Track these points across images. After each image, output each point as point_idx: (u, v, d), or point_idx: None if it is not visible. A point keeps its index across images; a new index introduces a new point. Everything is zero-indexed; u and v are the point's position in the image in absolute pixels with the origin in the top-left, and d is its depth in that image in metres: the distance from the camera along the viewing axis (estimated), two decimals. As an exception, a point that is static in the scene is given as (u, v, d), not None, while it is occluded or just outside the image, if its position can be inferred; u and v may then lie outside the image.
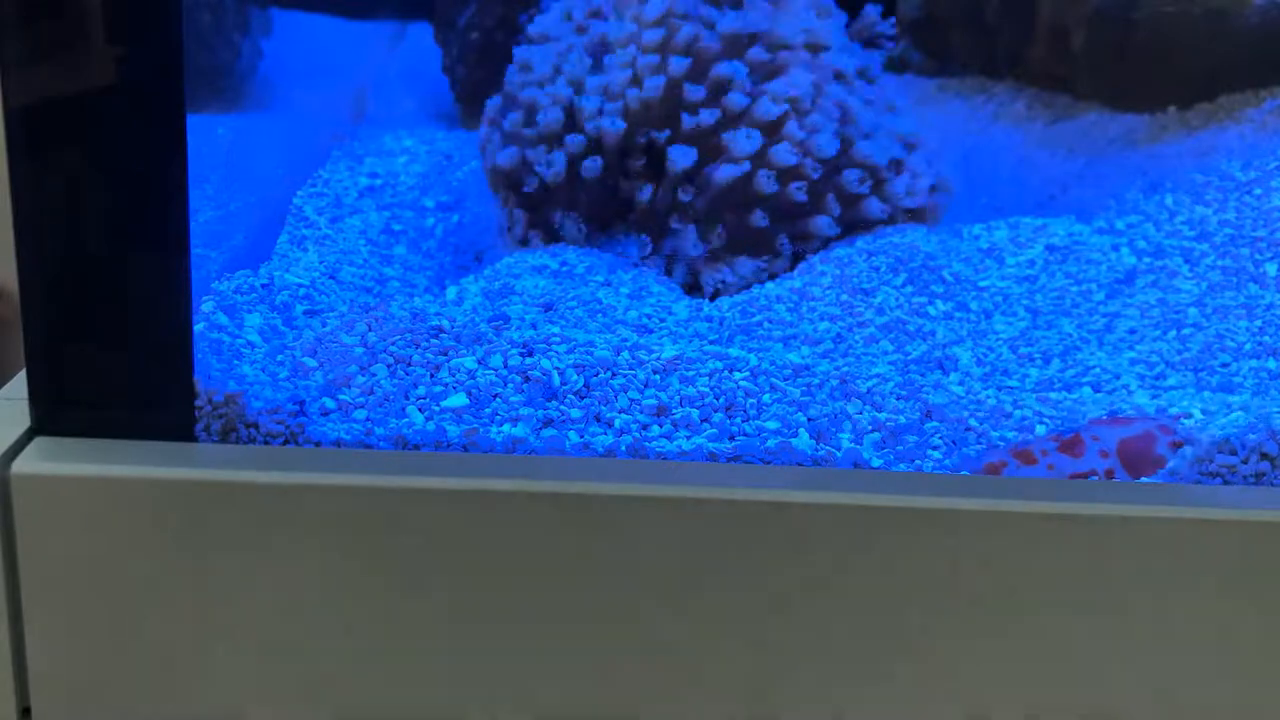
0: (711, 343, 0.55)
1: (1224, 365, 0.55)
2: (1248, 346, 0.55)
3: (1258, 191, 0.63)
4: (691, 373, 0.50)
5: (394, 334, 0.52)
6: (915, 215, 0.66)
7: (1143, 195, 0.68)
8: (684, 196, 0.64)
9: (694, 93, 0.64)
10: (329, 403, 0.49)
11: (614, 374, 0.50)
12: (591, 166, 0.65)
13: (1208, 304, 0.59)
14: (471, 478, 0.43)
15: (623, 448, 0.48)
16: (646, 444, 0.48)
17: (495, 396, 0.49)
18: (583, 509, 0.42)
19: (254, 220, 0.70)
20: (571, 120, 0.66)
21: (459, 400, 0.49)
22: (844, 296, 0.59)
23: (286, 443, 0.47)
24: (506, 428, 0.48)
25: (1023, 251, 0.64)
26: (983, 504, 0.42)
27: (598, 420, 0.49)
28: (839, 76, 0.67)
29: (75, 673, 0.44)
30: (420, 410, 0.49)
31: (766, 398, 0.50)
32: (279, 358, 0.52)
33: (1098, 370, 0.57)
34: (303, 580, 0.43)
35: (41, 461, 0.42)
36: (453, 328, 0.51)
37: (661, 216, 0.65)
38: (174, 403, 0.45)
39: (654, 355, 0.51)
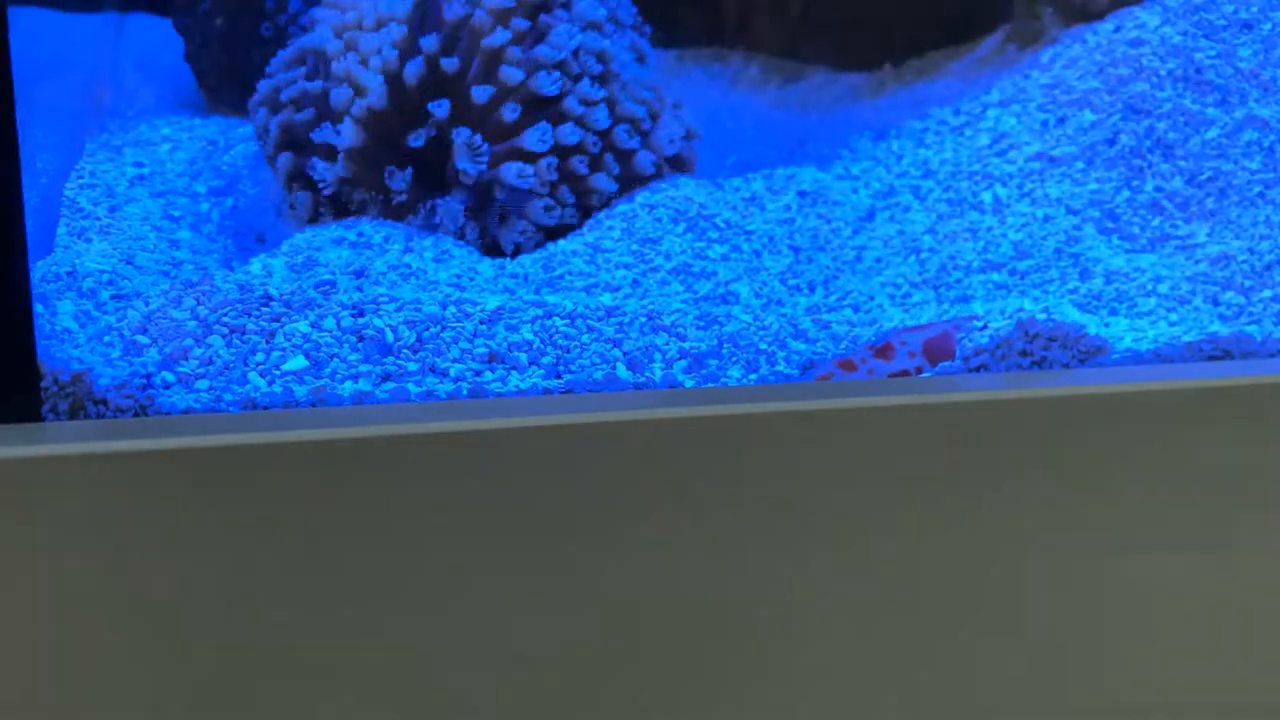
0: (525, 294, 0.59)
1: (958, 281, 0.65)
2: (976, 264, 0.65)
3: (968, 133, 0.73)
4: (515, 321, 0.55)
5: (223, 305, 0.53)
6: (676, 163, 0.72)
7: (871, 143, 0.78)
8: (473, 169, 0.68)
9: (464, 67, 0.68)
10: (168, 376, 0.50)
11: (444, 327, 0.54)
12: (378, 136, 0.68)
13: (939, 231, 0.68)
14: (361, 425, 0.46)
15: (463, 393, 0.52)
16: (483, 389, 0.52)
17: (333, 357, 0.52)
18: (447, 445, 0.46)
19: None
20: (356, 96, 0.69)
21: (299, 363, 0.52)
22: (634, 246, 0.64)
23: (138, 416, 0.48)
24: (349, 385, 0.51)
25: (778, 198, 0.72)
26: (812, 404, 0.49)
27: (433, 371, 0.53)
28: (595, 26, 0.72)
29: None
30: (262, 375, 0.51)
31: (585, 338, 0.55)
32: (106, 339, 0.53)
33: (855, 294, 0.65)
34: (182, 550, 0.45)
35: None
36: (281, 295, 0.54)
37: (451, 187, 0.68)
38: (19, 385, 0.46)
39: (478, 307, 0.55)
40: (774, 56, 0.90)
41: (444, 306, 0.54)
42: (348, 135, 0.68)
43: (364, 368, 0.52)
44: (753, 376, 0.55)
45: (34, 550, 0.43)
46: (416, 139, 0.68)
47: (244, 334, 0.52)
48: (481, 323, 0.54)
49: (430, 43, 0.67)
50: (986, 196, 0.69)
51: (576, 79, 0.69)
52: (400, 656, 0.47)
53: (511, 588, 0.47)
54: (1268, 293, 0.62)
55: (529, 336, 0.54)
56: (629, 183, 0.69)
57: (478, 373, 0.53)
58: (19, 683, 0.44)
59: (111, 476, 0.43)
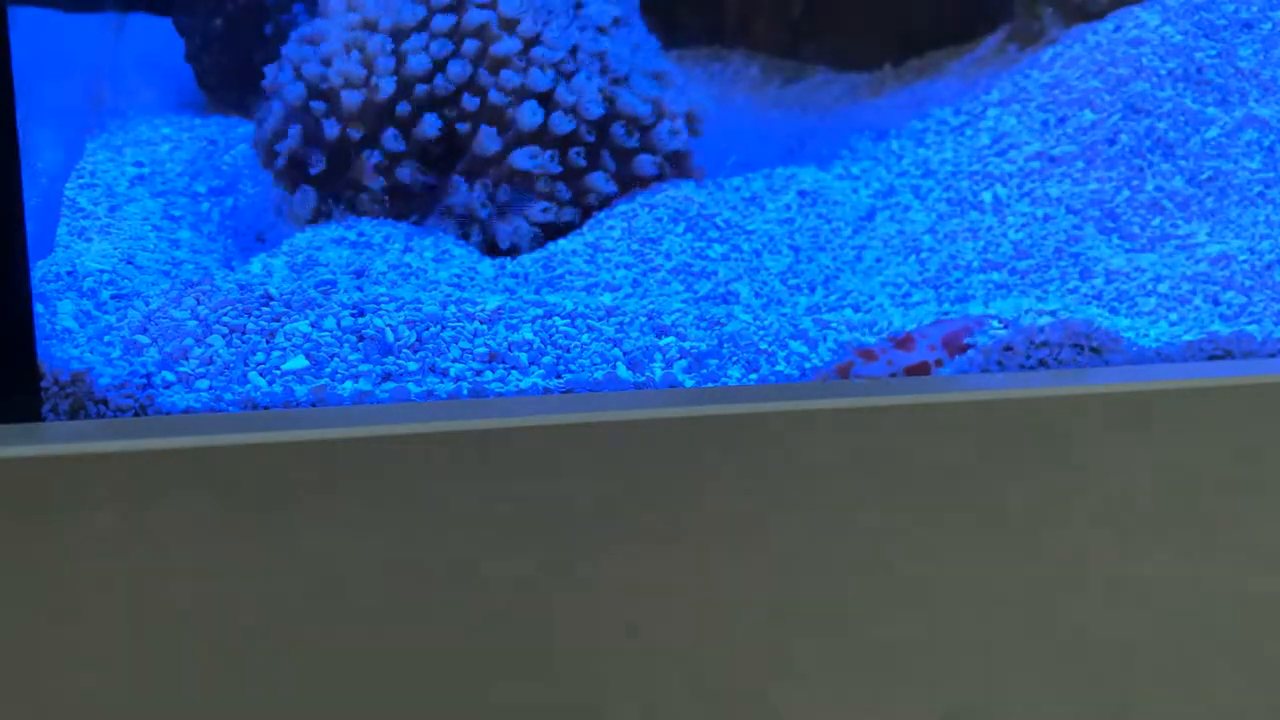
0: (525, 294, 0.59)
1: (958, 281, 0.65)
2: (976, 264, 0.65)
3: (968, 132, 0.73)
4: (515, 320, 0.55)
5: (223, 305, 0.53)
6: (679, 157, 0.72)
7: (872, 143, 0.78)
8: (473, 169, 0.68)
9: (479, 75, 0.68)
10: (169, 375, 0.50)
11: (444, 327, 0.54)
12: (379, 137, 0.68)
13: (939, 230, 0.68)
14: (364, 425, 0.46)
15: (464, 392, 0.52)
16: (483, 388, 0.52)
17: (333, 357, 0.52)
18: (445, 445, 0.46)
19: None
20: (366, 100, 0.69)
21: (299, 363, 0.52)
22: (634, 246, 0.64)
23: (138, 416, 0.48)
24: (349, 384, 0.51)
25: (779, 198, 0.72)
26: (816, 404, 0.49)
27: (433, 371, 0.53)
28: (599, 29, 0.72)
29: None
30: (262, 375, 0.51)
31: (585, 337, 0.55)
32: (106, 338, 0.53)
33: (855, 294, 0.65)
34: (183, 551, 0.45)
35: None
36: (281, 295, 0.54)
37: (452, 187, 0.68)
38: (19, 385, 0.46)
39: (479, 307, 0.55)
40: (774, 56, 0.90)
41: (444, 306, 0.54)
42: (347, 135, 0.68)
43: (364, 367, 0.52)
44: (753, 376, 0.55)
45: (34, 550, 0.43)
46: (418, 137, 0.68)
47: (244, 334, 0.52)
48: (481, 322, 0.54)
49: (431, 43, 0.67)
50: (987, 196, 0.69)
51: (569, 76, 0.69)
52: (400, 656, 0.47)
53: (511, 587, 0.47)
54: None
55: (529, 336, 0.54)
56: (628, 182, 0.69)
57: (478, 372, 0.53)
58: (19, 682, 0.44)
59: (111, 476, 0.43)
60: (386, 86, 0.67)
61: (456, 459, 0.46)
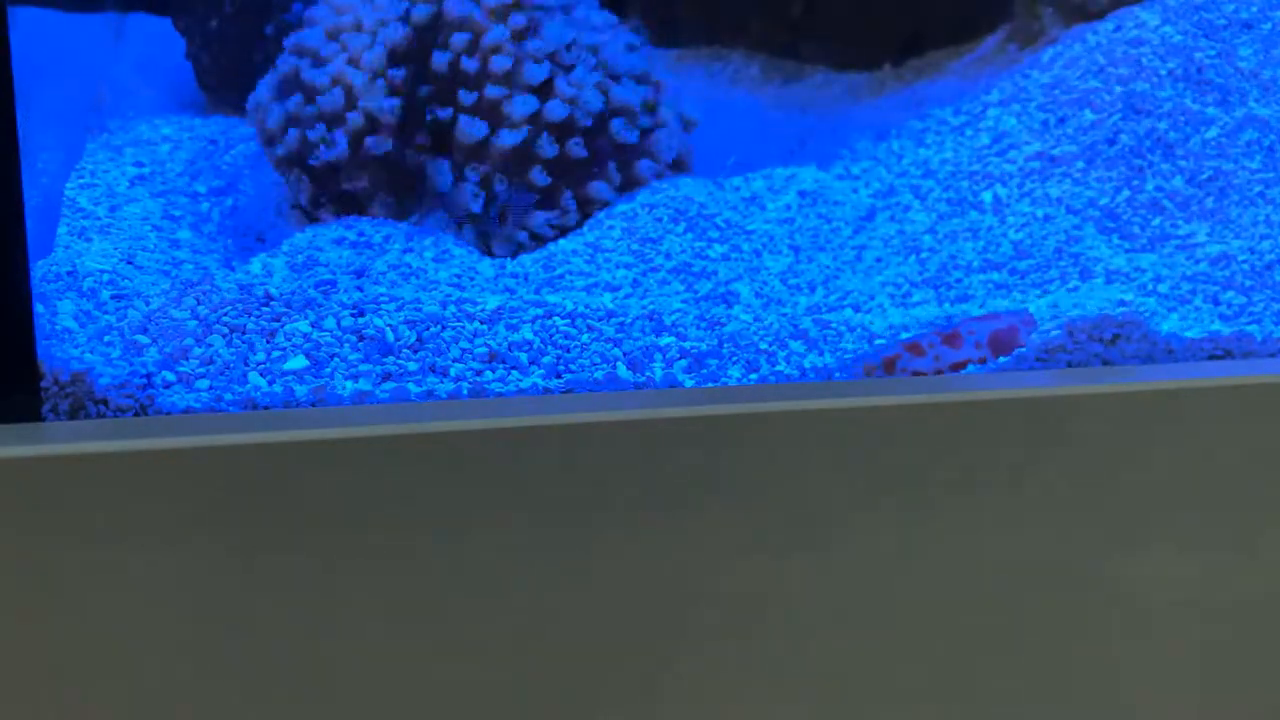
0: (526, 294, 0.59)
1: (958, 281, 0.65)
2: (976, 264, 0.65)
3: (969, 132, 0.73)
4: (515, 320, 0.55)
5: (223, 305, 0.53)
6: (678, 165, 0.72)
7: (872, 143, 0.78)
8: (471, 171, 0.68)
9: (470, 65, 0.68)
10: (169, 375, 0.50)
11: (444, 327, 0.54)
12: (377, 138, 0.68)
13: (939, 230, 0.68)
14: (360, 425, 0.46)
15: (464, 392, 0.52)
16: (484, 388, 0.52)
17: (333, 356, 0.52)
18: (445, 445, 0.46)
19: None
20: (351, 98, 0.69)
21: (299, 362, 0.52)
22: (634, 246, 0.64)
23: (138, 416, 0.48)
24: (349, 384, 0.51)
25: (779, 198, 0.72)
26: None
27: (433, 370, 0.53)
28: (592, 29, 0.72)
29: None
30: (262, 375, 0.51)
31: (585, 337, 0.55)
32: (106, 338, 0.53)
33: (855, 294, 0.65)
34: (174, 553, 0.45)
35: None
36: (281, 295, 0.54)
37: (453, 187, 0.68)
38: (19, 385, 0.46)
39: (479, 307, 0.55)
40: (774, 56, 0.90)
41: (444, 306, 0.54)
42: (347, 134, 0.68)
43: (364, 367, 0.52)
44: (753, 376, 0.55)
45: (34, 550, 0.43)
46: (418, 136, 0.68)
47: (244, 334, 0.52)
48: (482, 322, 0.54)
49: (428, 41, 0.67)
50: (987, 196, 0.69)
51: (568, 69, 0.69)
52: (401, 656, 0.47)
53: (511, 587, 0.47)
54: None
55: (529, 336, 0.54)
56: (628, 183, 0.69)
57: (478, 372, 0.53)
58: (19, 682, 0.44)
59: (111, 476, 0.43)
60: (381, 83, 0.68)
61: (456, 459, 0.46)
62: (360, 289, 0.56)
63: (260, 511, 0.45)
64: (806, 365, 0.56)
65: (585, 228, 0.67)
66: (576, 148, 0.67)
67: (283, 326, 0.53)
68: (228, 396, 0.49)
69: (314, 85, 0.70)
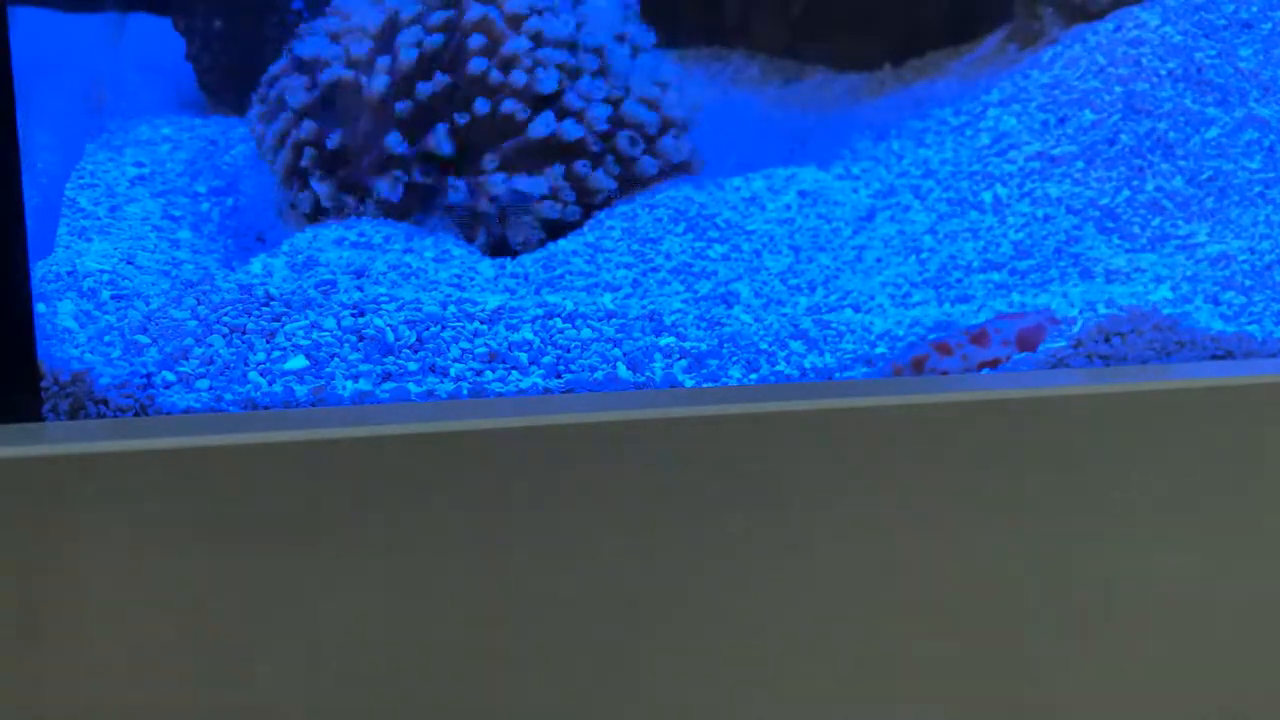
0: (526, 294, 0.59)
1: (958, 281, 0.65)
2: (976, 264, 0.65)
3: (968, 132, 0.73)
4: (515, 320, 0.55)
5: (223, 305, 0.53)
6: (681, 167, 0.72)
7: (872, 143, 0.78)
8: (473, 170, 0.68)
9: (483, 69, 0.68)
10: (169, 375, 0.50)
11: (444, 327, 0.54)
12: (381, 136, 0.68)
13: (939, 230, 0.68)
14: (360, 425, 0.46)
15: (464, 393, 0.52)
16: (484, 388, 0.52)
17: (333, 356, 0.52)
18: (448, 445, 0.46)
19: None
20: (360, 99, 0.69)
21: (299, 362, 0.52)
22: (635, 246, 0.64)
23: (138, 416, 0.48)
24: (349, 384, 0.51)
25: (779, 198, 0.72)
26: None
27: (433, 370, 0.53)
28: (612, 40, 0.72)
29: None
30: (262, 375, 0.51)
31: (585, 334, 0.55)
32: (106, 338, 0.53)
33: (855, 294, 0.65)
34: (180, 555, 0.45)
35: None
36: (281, 295, 0.54)
37: (452, 187, 0.68)
38: (19, 385, 0.46)
39: (479, 307, 0.55)
40: (774, 56, 0.90)
41: (444, 306, 0.54)
42: (348, 134, 0.68)
43: (364, 367, 0.52)
44: (753, 376, 0.55)
45: (34, 550, 0.43)
46: (417, 138, 0.68)
47: (244, 334, 0.52)
48: (482, 322, 0.54)
49: (434, 43, 0.67)
50: (987, 196, 0.69)
51: (575, 75, 0.68)
52: (401, 655, 0.47)
53: (511, 587, 0.47)
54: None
55: (529, 336, 0.54)
56: (628, 183, 0.69)
57: (478, 372, 0.53)
58: (19, 682, 0.44)
59: (111, 476, 0.43)
60: (384, 85, 0.68)
61: (456, 459, 0.46)
62: (360, 289, 0.56)
63: (260, 511, 0.45)
64: (806, 365, 0.56)
65: (585, 228, 0.67)
66: (584, 166, 0.67)
67: (283, 326, 0.53)
68: (228, 396, 0.49)
69: (315, 85, 0.70)
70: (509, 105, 0.67)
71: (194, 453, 0.44)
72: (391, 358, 0.52)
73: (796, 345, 0.57)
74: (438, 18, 0.68)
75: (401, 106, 0.67)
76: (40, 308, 0.54)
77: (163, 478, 0.44)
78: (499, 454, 0.46)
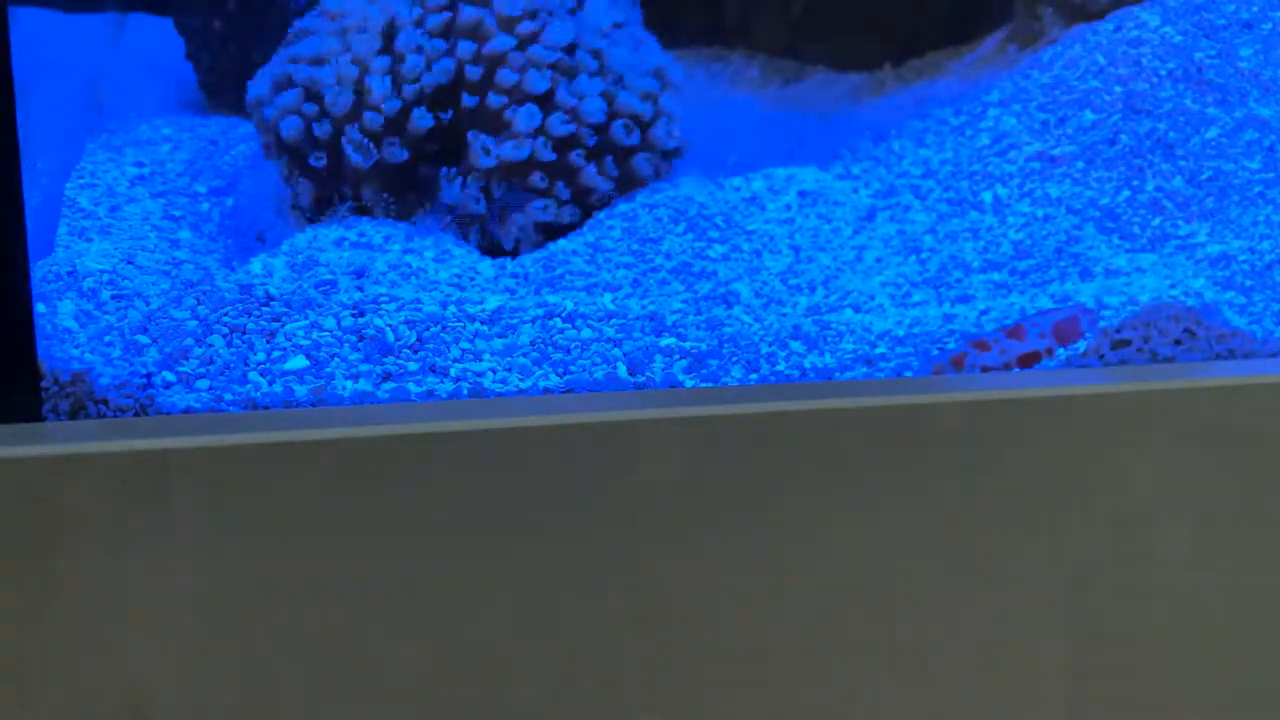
0: (526, 294, 0.59)
1: (958, 281, 0.65)
2: (976, 264, 0.65)
3: (969, 132, 0.73)
4: (515, 320, 0.55)
5: (223, 305, 0.53)
6: (675, 154, 0.72)
7: (872, 143, 0.78)
8: (472, 169, 0.68)
9: (475, 73, 0.68)
10: (169, 375, 0.50)
11: (444, 327, 0.54)
12: (380, 139, 0.68)
13: (939, 230, 0.68)
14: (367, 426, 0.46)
15: (464, 392, 0.52)
16: (484, 389, 0.52)
17: (334, 357, 0.52)
18: (453, 445, 0.46)
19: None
20: (353, 98, 0.69)
21: (299, 363, 0.52)
22: (635, 246, 0.64)
23: (138, 416, 0.48)
24: (349, 384, 0.51)
25: (779, 198, 0.72)
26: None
27: (434, 371, 0.53)
28: (600, 34, 0.72)
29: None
30: (262, 375, 0.51)
31: (585, 334, 0.55)
32: (106, 338, 0.53)
33: (855, 294, 0.65)
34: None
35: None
36: (281, 295, 0.54)
37: (451, 187, 0.68)
38: (19, 385, 0.46)
39: (479, 307, 0.55)
40: (774, 56, 0.90)
41: (444, 306, 0.54)
42: (347, 134, 0.68)
43: (364, 367, 0.52)
44: (753, 376, 0.55)
45: (34, 550, 0.43)
46: (416, 137, 0.68)
47: (244, 334, 0.52)
48: (482, 322, 0.54)
49: (431, 44, 0.67)
50: (987, 196, 0.69)
51: (571, 74, 0.68)
52: (400, 655, 0.47)
53: (512, 587, 0.47)
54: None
55: (529, 336, 0.54)
56: (627, 183, 0.69)
57: (478, 373, 0.53)
58: (19, 682, 0.44)
59: (111, 476, 0.43)
60: (382, 86, 0.68)
61: (456, 459, 0.46)
62: (360, 289, 0.56)
63: (260, 511, 0.45)
64: (806, 365, 0.56)
65: (585, 228, 0.67)
66: (578, 158, 0.67)
67: (283, 326, 0.53)
68: (228, 396, 0.49)
69: (315, 85, 0.70)
70: (497, 101, 0.67)
71: (194, 453, 0.44)
72: (391, 358, 0.52)
73: (796, 345, 0.57)
74: (435, 21, 0.68)
75: (400, 104, 0.67)
76: (40, 308, 0.54)
77: (163, 478, 0.44)
78: (499, 454, 0.46)
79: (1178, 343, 0.56)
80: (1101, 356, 0.56)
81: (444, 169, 0.68)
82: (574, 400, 0.50)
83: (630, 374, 0.54)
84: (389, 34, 0.69)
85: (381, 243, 0.65)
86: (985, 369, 0.55)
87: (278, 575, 0.45)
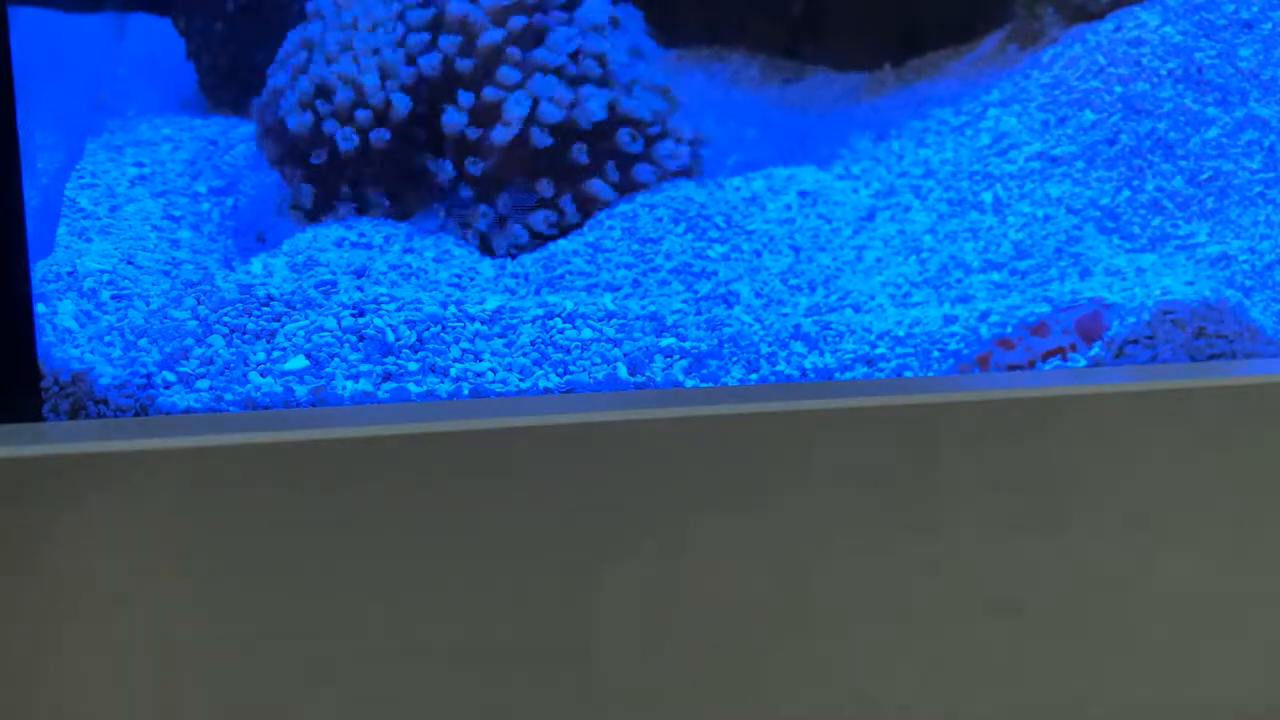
0: (526, 294, 0.60)
1: (958, 281, 0.65)
2: (976, 264, 0.65)
3: (969, 132, 0.73)
4: (515, 320, 0.55)
5: (223, 305, 0.53)
6: (681, 174, 0.72)
7: (872, 143, 0.78)
8: (472, 169, 0.68)
9: (467, 67, 0.68)
10: (169, 375, 0.50)
11: (444, 327, 0.54)
12: (380, 138, 0.68)
13: (939, 231, 0.68)
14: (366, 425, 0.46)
15: (464, 393, 0.52)
16: (484, 389, 0.52)
17: (334, 357, 0.52)
18: (452, 445, 0.46)
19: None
20: (354, 98, 0.69)
21: (299, 363, 0.52)
22: (635, 246, 0.64)
23: (138, 416, 0.48)
24: (349, 384, 0.51)
25: (779, 198, 0.72)
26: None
27: (434, 371, 0.53)
28: (595, 29, 0.72)
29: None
30: (262, 375, 0.51)
31: (586, 334, 0.55)
32: (106, 338, 0.53)
33: (855, 294, 0.65)
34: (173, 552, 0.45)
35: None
36: (281, 295, 0.54)
37: (451, 187, 0.68)
38: (19, 385, 0.46)
39: (479, 306, 0.55)
40: (774, 56, 0.90)
41: (444, 306, 0.54)
42: (348, 135, 0.68)
43: (364, 367, 0.52)
44: (753, 376, 0.55)
45: (34, 550, 0.43)
46: (417, 139, 0.68)
47: (244, 334, 0.52)
48: (482, 322, 0.54)
49: (429, 43, 0.67)
50: (987, 196, 0.69)
51: (576, 83, 0.68)
52: (401, 655, 0.47)
53: (512, 587, 0.47)
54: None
55: (530, 335, 0.54)
56: (626, 188, 0.69)
57: (478, 374, 0.53)
58: (19, 682, 0.44)
59: (111, 476, 0.43)
60: (385, 88, 0.68)
61: (456, 459, 0.46)
62: (360, 289, 0.56)
63: (260, 511, 0.45)
64: (807, 365, 0.56)
65: (585, 228, 0.67)
66: (580, 154, 0.67)
67: (283, 326, 0.53)
68: (228, 396, 0.49)
69: (316, 85, 0.70)
70: (490, 93, 0.67)
71: (194, 453, 0.44)
72: (391, 358, 0.52)
73: (797, 345, 0.57)
74: (433, 19, 0.69)
75: (400, 106, 0.67)
76: (40, 308, 0.54)
77: (163, 478, 0.44)
78: (499, 454, 0.46)
79: (1200, 334, 0.56)
80: (1120, 354, 0.56)
81: (441, 166, 0.68)
82: (574, 400, 0.50)
83: (630, 374, 0.54)
84: (396, 36, 0.69)
85: (382, 242, 0.65)
86: (1012, 367, 0.55)
87: (278, 575, 0.45)
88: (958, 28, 0.85)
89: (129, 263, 0.63)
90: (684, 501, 0.48)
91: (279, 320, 0.53)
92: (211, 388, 0.50)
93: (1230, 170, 0.68)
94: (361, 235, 0.66)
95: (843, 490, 0.49)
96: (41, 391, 0.46)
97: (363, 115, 0.68)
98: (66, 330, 0.53)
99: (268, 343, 0.52)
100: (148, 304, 0.55)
